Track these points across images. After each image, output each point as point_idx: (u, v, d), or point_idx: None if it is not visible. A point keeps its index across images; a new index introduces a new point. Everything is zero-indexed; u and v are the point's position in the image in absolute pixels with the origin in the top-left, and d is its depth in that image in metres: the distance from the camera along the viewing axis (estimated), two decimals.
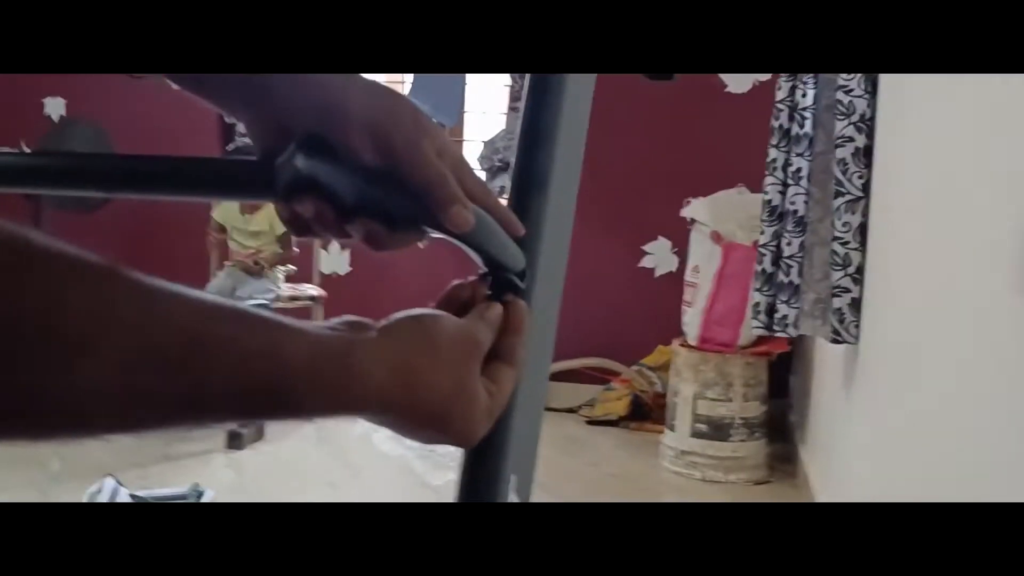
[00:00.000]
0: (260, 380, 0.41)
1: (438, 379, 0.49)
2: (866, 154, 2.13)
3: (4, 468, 3.05)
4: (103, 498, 2.59)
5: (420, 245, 0.59)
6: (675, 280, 4.06)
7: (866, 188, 2.14)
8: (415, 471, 3.31)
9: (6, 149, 4.57)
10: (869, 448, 2.05)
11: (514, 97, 4.37)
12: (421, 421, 0.49)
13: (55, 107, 4.84)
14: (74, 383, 0.35)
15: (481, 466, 0.60)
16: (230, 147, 4.02)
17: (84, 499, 2.60)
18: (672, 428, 3.45)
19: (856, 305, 2.15)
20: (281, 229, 3.88)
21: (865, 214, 2.14)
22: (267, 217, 3.90)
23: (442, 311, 0.53)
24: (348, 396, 0.45)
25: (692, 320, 3.46)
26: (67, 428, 0.37)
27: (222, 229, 4.03)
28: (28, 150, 4.43)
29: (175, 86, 0.57)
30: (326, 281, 4.41)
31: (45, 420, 0.36)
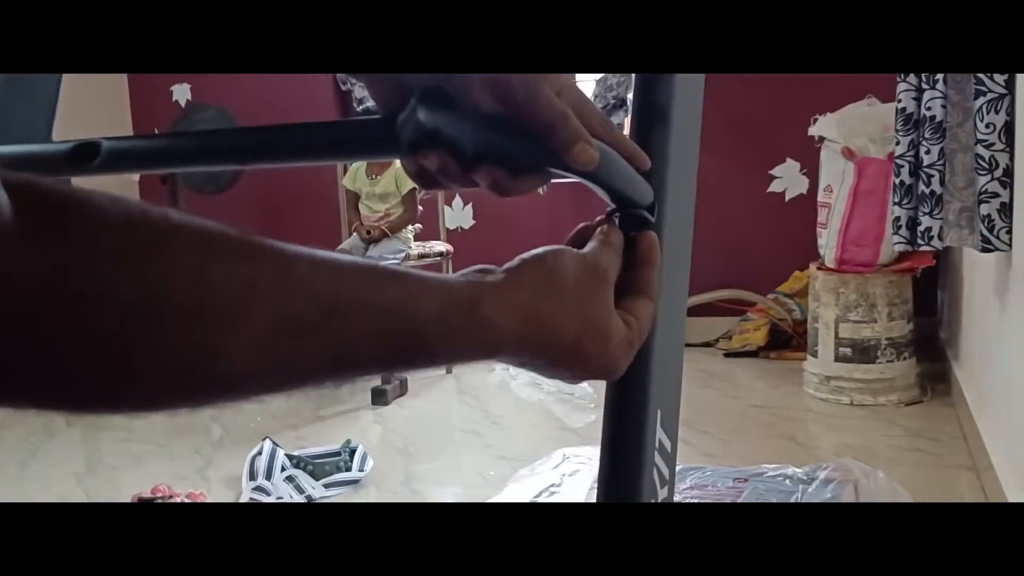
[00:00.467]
0: (394, 335, 0.42)
1: (566, 316, 0.49)
2: None
3: (172, 437, 3.25)
4: (263, 459, 2.73)
5: (540, 192, 0.59)
6: (806, 202, 3.93)
7: (1009, 84, 2.00)
8: (555, 415, 3.35)
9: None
10: None
11: None
12: (556, 360, 0.49)
13: (182, 93, 5.04)
14: (221, 355, 0.36)
15: (626, 404, 0.59)
16: (359, 108, 4.10)
17: (246, 462, 2.75)
18: (814, 354, 3.36)
19: (1006, 210, 2.03)
20: (406, 188, 3.95)
21: (1010, 112, 2.00)
22: (392, 177, 3.97)
23: (565, 246, 0.53)
24: (479, 342, 0.46)
25: (828, 242, 3.34)
26: (220, 395, 0.38)
27: (353, 196, 4.13)
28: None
29: None
30: (452, 236, 4.47)
31: (199, 390, 0.37)
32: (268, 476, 2.67)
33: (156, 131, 4.78)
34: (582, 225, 0.59)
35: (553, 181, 0.57)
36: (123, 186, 4.88)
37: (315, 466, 2.74)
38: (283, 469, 2.72)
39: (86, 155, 0.64)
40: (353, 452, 2.81)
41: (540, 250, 0.51)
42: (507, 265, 0.49)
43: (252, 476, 2.69)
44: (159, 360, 0.35)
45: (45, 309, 0.32)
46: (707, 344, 4.13)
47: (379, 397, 3.58)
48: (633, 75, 0.61)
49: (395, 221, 4.00)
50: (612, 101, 4.24)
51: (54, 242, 0.32)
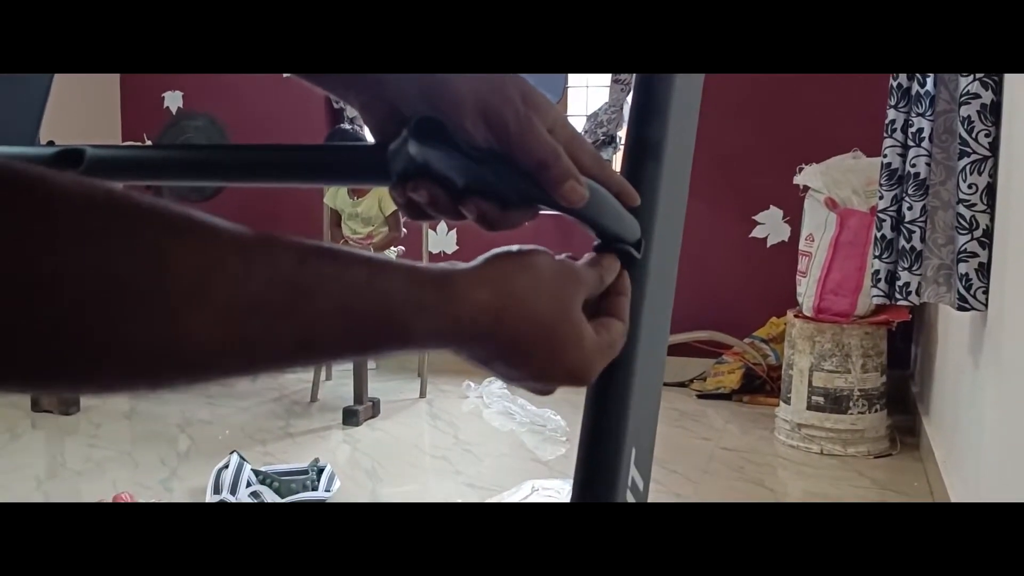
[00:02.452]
0: (364, 313, 0.42)
1: (539, 296, 0.49)
2: (993, 111, 2.02)
3: (137, 445, 3.21)
4: (229, 473, 2.70)
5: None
6: (788, 250, 3.96)
7: (993, 147, 2.03)
8: (526, 446, 3.33)
9: (131, 142, 4.78)
10: (999, 418, 1.96)
11: None
12: (532, 345, 0.49)
13: (173, 100, 5.03)
14: (183, 334, 0.36)
15: (601, 439, 0.59)
16: (342, 125, 4.10)
17: (212, 475, 2.72)
18: (787, 401, 3.37)
19: (984, 270, 2.05)
20: (389, 210, 3.95)
21: (992, 174, 2.03)
22: (375, 200, 3.97)
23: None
24: (452, 316, 0.45)
25: (807, 290, 3.36)
26: (183, 377, 0.38)
27: (336, 215, 4.12)
28: (149, 142, 4.62)
29: (286, 74, 0.58)
30: (434, 260, 4.45)
31: (161, 371, 0.37)
32: (233, 490, 2.64)
33: (145, 136, 4.76)
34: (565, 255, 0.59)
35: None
36: None
37: (281, 483, 2.71)
38: (248, 484, 2.69)
39: (69, 161, 0.63)
40: (321, 471, 2.79)
41: (513, 246, 0.52)
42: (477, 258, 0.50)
43: (217, 489, 2.66)
44: (120, 338, 0.34)
45: (4, 288, 0.31)
46: (681, 384, 4.14)
47: (350, 417, 3.55)
48: (624, 112, 0.62)
49: (380, 241, 3.99)
50: (601, 137, 4.27)
51: (12, 220, 0.32)
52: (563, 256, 0.54)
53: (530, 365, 0.50)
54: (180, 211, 0.37)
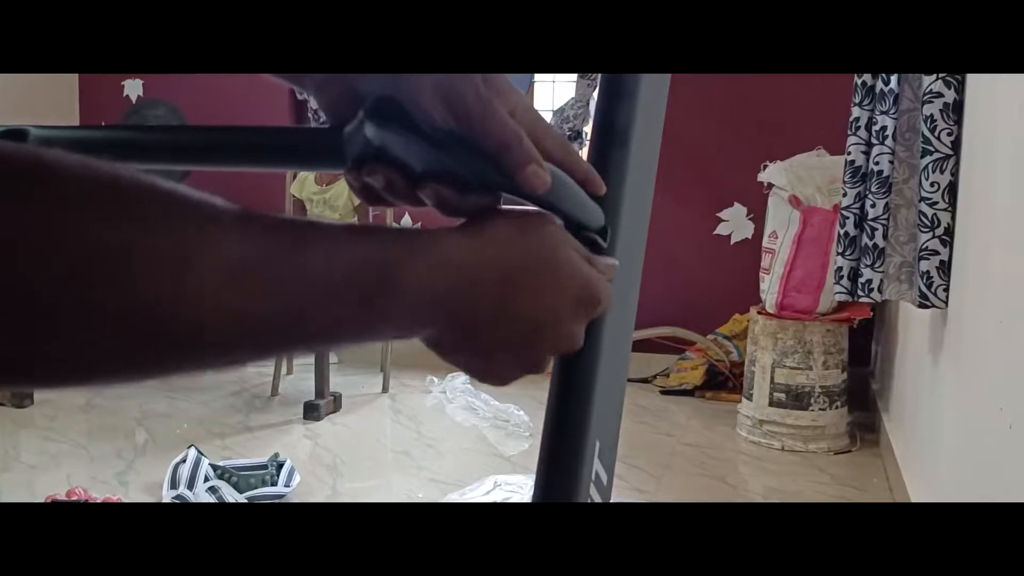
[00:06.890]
0: (354, 266, 0.42)
1: (526, 236, 0.49)
2: (955, 110, 2.03)
3: (93, 439, 3.15)
4: (186, 467, 2.65)
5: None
6: (751, 247, 3.98)
7: (955, 146, 2.04)
8: (488, 441, 3.32)
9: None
10: (957, 415, 1.98)
11: None
12: (528, 270, 0.49)
13: (133, 88, 4.94)
14: (169, 300, 0.35)
15: (564, 432, 0.58)
16: (311, 115, 4.05)
17: (169, 469, 2.67)
18: (749, 397, 3.39)
19: (945, 268, 2.07)
20: (359, 200, 3.91)
21: (955, 173, 2.05)
22: (344, 186, 3.92)
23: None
24: (439, 263, 0.45)
25: (770, 287, 3.38)
26: (179, 360, 0.37)
27: (301, 204, 4.06)
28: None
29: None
30: None
31: (151, 344, 0.36)
32: (190, 485, 2.60)
33: (104, 125, 4.68)
34: None
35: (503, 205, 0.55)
36: None
37: (240, 478, 2.67)
38: (206, 479, 2.65)
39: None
40: (280, 466, 2.75)
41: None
42: None
43: (173, 484, 2.61)
44: (105, 306, 0.33)
45: None
46: (644, 380, 4.15)
47: (311, 412, 3.51)
48: (590, 108, 0.61)
49: None
50: (568, 133, 4.26)
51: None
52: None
53: (536, 299, 0.49)
54: (153, 180, 0.36)
